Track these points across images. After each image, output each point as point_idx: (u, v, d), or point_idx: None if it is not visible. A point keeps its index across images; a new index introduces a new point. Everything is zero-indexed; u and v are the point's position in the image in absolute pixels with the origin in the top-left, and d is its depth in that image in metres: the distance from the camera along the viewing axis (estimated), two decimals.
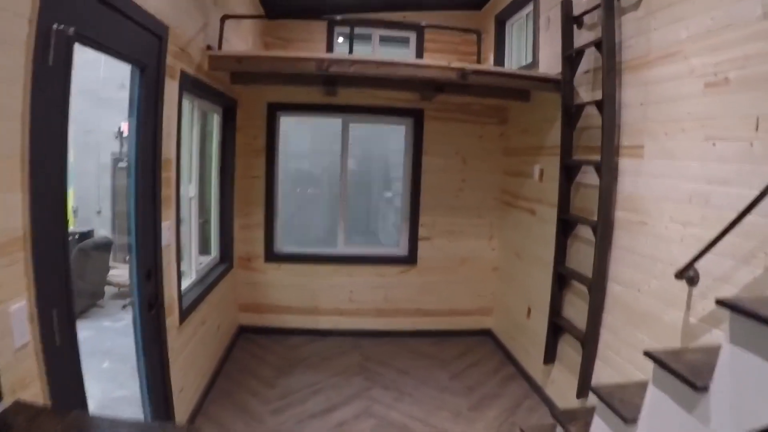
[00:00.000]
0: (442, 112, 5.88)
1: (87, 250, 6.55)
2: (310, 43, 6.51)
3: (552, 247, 4.33)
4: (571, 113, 4.12)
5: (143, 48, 2.76)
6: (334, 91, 5.09)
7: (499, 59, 6.16)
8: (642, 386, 2.35)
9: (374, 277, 6.04)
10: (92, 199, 8.35)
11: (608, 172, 3.51)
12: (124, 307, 2.81)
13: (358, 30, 6.25)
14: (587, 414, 2.75)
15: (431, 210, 6.02)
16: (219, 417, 4.14)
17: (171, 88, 3.18)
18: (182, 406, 3.66)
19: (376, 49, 6.76)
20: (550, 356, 4.44)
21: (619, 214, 3.50)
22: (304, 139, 6.08)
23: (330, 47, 6.61)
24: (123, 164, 7.58)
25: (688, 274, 2.69)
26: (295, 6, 6.30)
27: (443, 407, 4.50)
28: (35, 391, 1.84)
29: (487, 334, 6.21)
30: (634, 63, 3.37)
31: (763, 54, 2.32)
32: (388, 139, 6.12)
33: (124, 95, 2.95)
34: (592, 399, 3.68)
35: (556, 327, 4.33)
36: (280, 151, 5.86)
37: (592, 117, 3.86)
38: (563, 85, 4.18)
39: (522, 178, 5.39)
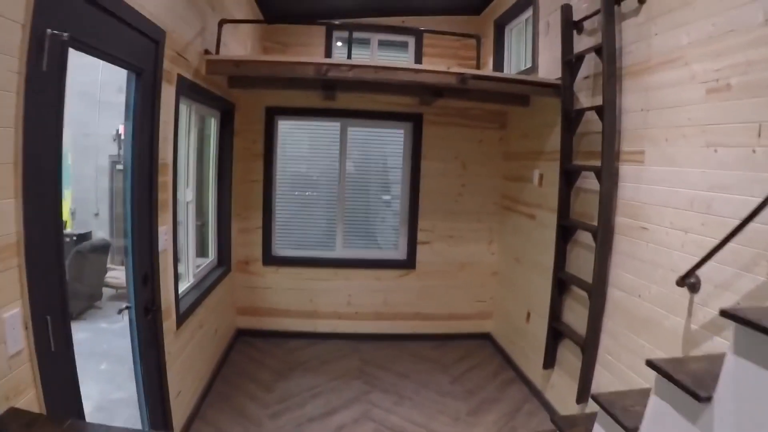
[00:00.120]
0: (441, 117, 5.86)
1: (84, 252, 6.55)
2: (308, 48, 6.49)
3: (552, 252, 4.31)
4: (571, 118, 4.10)
5: (140, 52, 2.74)
6: (333, 96, 5.08)
7: (498, 64, 6.14)
8: (643, 394, 2.33)
9: (373, 281, 6.02)
10: (90, 201, 8.38)
11: (608, 177, 3.49)
12: (119, 312, 2.78)
13: (356, 34, 6.26)
14: (587, 420, 2.73)
15: (430, 214, 6.00)
16: (217, 421, 4.11)
17: (168, 93, 3.16)
18: (179, 410, 3.64)
19: (375, 54, 6.74)
20: (549, 361, 4.41)
21: (620, 220, 3.48)
22: (302, 142, 6.05)
23: (329, 51, 6.59)
24: (121, 167, 7.57)
25: (689, 281, 2.67)
26: (293, 11, 6.28)
27: (443, 411, 4.47)
28: (30, 399, 1.82)
29: (486, 337, 6.19)
30: (634, 68, 3.35)
31: (765, 60, 2.30)
32: (387, 142, 6.09)
33: (122, 98, 2.93)
34: (592, 404, 3.67)
35: (556, 332, 4.31)
36: (279, 155, 5.85)
37: (592, 122, 3.84)
38: (563, 90, 4.16)
39: (522, 183, 5.37)
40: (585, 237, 3.92)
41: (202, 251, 5.06)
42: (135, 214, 2.85)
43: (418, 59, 6.69)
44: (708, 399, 1.87)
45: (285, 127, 5.90)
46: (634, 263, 3.30)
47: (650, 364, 2.16)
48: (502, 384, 5.06)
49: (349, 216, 6.05)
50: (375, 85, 4.55)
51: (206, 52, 4.01)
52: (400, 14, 6.42)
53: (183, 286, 4.08)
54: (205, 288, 4.41)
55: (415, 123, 5.88)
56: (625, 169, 3.43)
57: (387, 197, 6.22)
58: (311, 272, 5.93)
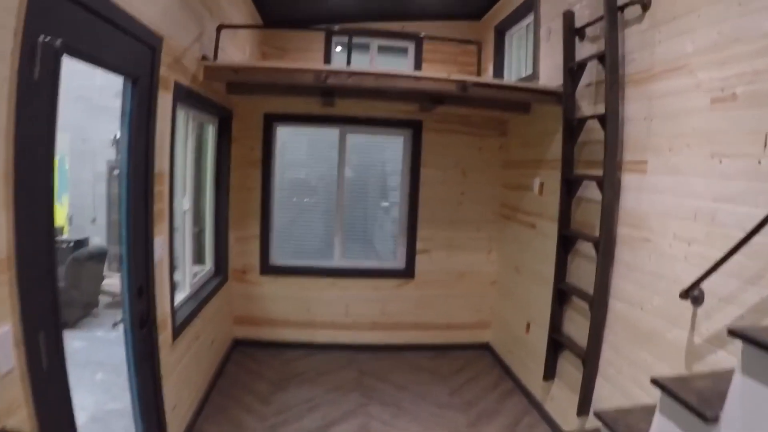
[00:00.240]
0: (441, 124, 5.82)
1: (81, 259, 6.51)
2: (307, 53, 6.47)
3: (552, 262, 4.27)
4: (573, 127, 4.06)
5: (135, 59, 2.69)
6: (332, 102, 5.03)
7: (499, 70, 6.12)
8: (648, 411, 2.28)
9: (371, 291, 5.96)
10: (87, 207, 8.33)
11: (611, 187, 3.45)
12: (114, 325, 2.73)
13: (356, 39, 6.23)
14: None
15: (429, 223, 5.96)
16: None
17: (164, 100, 3.11)
18: (175, 424, 3.57)
19: (375, 59, 6.72)
20: (549, 373, 4.36)
21: (622, 230, 3.44)
22: (301, 149, 6.01)
23: (328, 56, 6.57)
24: (118, 172, 7.53)
25: (693, 294, 2.64)
26: (292, 15, 6.26)
27: (442, 424, 4.41)
28: (22, 418, 1.77)
29: (485, 347, 6.14)
30: (637, 77, 3.31)
31: None
32: (386, 148, 6.06)
33: (120, 103, 2.87)
34: (593, 417, 3.63)
35: (556, 343, 4.26)
36: (277, 162, 5.80)
37: (594, 131, 3.80)
38: (565, 98, 4.12)
39: (522, 192, 5.33)
40: (586, 247, 3.88)
41: (198, 258, 5.01)
42: (130, 224, 2.80)
43: (418, 64, 6.67)
44: (715, 419, 1.83)
45: (283, 133, 5.86)
46: (637, 275, 3.26)
47: (655, 382, 2.11)
48: (502, 395, 5.01)
49: (348, 225, 6.01)
50: (374, 92, 4.52)
51: (204, 58, 3.96)
52: (399, 19, 6.41)
53: (179, 297, 4.02)
54: (201, 298, 4.35)
55: (415, 130, 5.84)
56: (628, 179, 3.39)
57: (386, 204, 6.18)
58: (309, 282, 5.87)
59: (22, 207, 1.74)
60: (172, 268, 3.51)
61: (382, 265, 6.12)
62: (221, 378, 5.01)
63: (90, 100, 7.30)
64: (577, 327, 4.00)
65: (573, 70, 4.08)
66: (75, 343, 5.71)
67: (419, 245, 5.98)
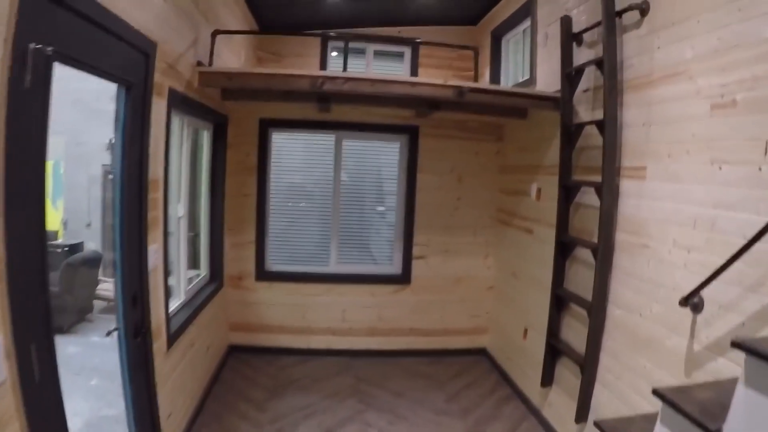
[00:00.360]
0: (437, 129, 5.79)
1: (75, 265, 6.47)
2: (303, 58, 6.44)
3: (550, 268, 4.25)
4: (571, 132, 4.04)
5: (129, 66, 2.66)
6: (328, 108, 5.01)
7: (495, 75, 6.10)
8: (648, 420, 2.26)
9: (367, 297, 5.93)
10: (82, 211, 8.28)
11: (609, 193, 3.43)
12: (108, 334, 2.68)
13: (352, 44, 6.20)
14: None
15: (426, 228, 5.93)
16: None
17: (158, 107, 3.07)
18: None
19: (370, 64, 6.70)
20: (547, 379, 4.34)
21: (620, 237, 3.42)
22: (296, 155, 5.97)
23: (323, 61, 6.55)
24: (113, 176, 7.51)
25: (692, 301, 2.62)
26: (288, 21, 6.23)
27: (440, 431, 4.38)
28: (14, 430, 1.75)
29: (482, 353, 6.11)
30: (636, 82, 3.30)
31: None
32: (382, 154, 6.03)
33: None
34: (591, 424, 3.61)
35: (554, 349, 4.24)
36: (273, 167, 5.77)
37: (592, 137, 3.79)
38: (563, 103, 4.10)
39: (519, 197, 5.31)
40: (584, 253, 3.85)
41: (193, 263, 4.98)
42: (124, 232, 2.76)
43: (414, 69, 6.65)
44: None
45: (279, 139, 5.83)
46: (635, 281, 3.23)
47: (657, 393, 2.09)
48: (499, 401, 4.98)
49: (344, 230, 5.97)
50: (371, 98, 4.50)
51: (199, 63, 3.93)
52: (396, 24, 6.39)
53: (174, 304, 3.98)
54: (196, 305, 4.31)
55: (411, 135, 5.82)
56: (627, 185, 3.37)
57: (381, 208, 6.15)
58: (305, 287, 5.84)
59: (12, 217, 1.71)
60: (167, 276, 3.47)
61: (378, 270, 6.09)
62: (217, 384, 4.96)
63: (86, 104, 7.26)
64: (575, 333, 3.98)
65: (571, 76, 4.06)
66: (69, 348, 5.67)
67: (416, 251, 5.95)
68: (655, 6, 3.13)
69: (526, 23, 5.23)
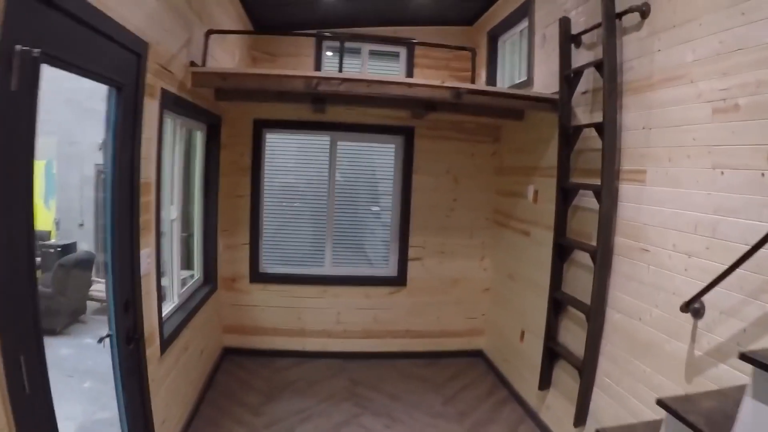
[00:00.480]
0: (433, 130, 5.75)
1: (68, 266, 6.41)
2: (298, 58, 6.40)
3: (547, 271, 4.22)
4: (569, 135, 4.01)
5: (120, 67, 2.60)
6: (323, 109, 4.96)
7: (492, 76, 6.06)
8: (650, 428, 2.24)
9: (363, 299, 5.89)
10: (75, 211, 8.22)
11: (608, 196, 3.39)
12: (100, 340, 2.63)
13: (347, 44, 6.15)
14: None
15: (422, 230, 5.89)
16: None
17: (150, 109, 3.01)
18: None
19: (366, 64, 6.65)
20: (545, 382, 4.31)
21: (619, 241, 3.39)
22: (290, 156, 5.92)
23: (318, 61, 6.50)
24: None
25: (693, 307, 2.60)
26: (283, 20, 6.18)
27: None
28: None
29: (478, 355, 6.08)
30: (636, 85, 3.26)
31: None
32: (378, 155, 5.99)
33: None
34: (589, 428, 3.59)
35: (552, 352, 4.21)
36: (267, 168, 5.72)
37: (590, 139, 3.75)
38: (561, 106, 4.06)
39: (515, 199, 5.27)
40: (582, 257, 3.82)
41: (187, 263, 4.93)
42: (116, 237, 2.70)
43: (410, 69, 6.61)
44: None
45: (273, 140, 5.77)
46: (635, 286, 3.21)
47: (661, 403, 2.06)
48: (496, 404, 4.95)
49: (339, 232, 5.93)
50: (366, 98, 4.44)
51: (192, 64, 3.87)
52: (391, 24, 6.34)
53: (168, 307, 3.92)
54: (190, 308, 4.25)
55: (407, 136, 5.78)
56: (626, 189, 3.34)
57: (376, 208, 6.10)
58: (299, 290, 5.79)
59: None
60: (160, 281, 3.42)
61: (373, 272, 6.05)
62: (211, 388, 4.91)
63: (78, 103, 7.19)
64: (573, 336, 3.95)
65: (569, 78, 4.02)
66: (62, 350, 5.62)
67: (411, 253, 5.91)
68: (655, 8, 3.10)
69: (524, 24, 5.19)
